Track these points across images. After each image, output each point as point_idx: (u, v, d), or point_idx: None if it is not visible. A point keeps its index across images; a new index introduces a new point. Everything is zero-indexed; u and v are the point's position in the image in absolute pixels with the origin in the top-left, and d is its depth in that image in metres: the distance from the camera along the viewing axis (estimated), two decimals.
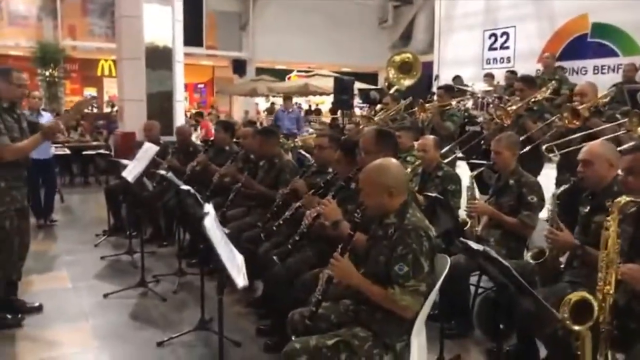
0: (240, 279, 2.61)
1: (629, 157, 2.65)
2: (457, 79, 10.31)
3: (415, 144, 4.66)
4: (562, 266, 3.18)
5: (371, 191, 2.47)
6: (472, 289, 4.04)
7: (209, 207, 2.86)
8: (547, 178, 4.89)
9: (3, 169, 3.71)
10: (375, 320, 2.38)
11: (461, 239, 2.64)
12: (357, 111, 14.41)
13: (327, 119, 17.93)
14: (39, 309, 4.15)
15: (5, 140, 3.67)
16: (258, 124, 13.68)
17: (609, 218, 2.52)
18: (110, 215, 6.40)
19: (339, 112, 17.29)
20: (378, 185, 2.45)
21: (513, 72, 9.18)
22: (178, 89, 7.44)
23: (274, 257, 3.19)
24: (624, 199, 2.50)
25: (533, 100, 5.12)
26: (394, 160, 2.61)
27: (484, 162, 4.96)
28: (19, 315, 3.93)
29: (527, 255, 3.19)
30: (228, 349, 3.44)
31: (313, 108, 21.20)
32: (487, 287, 4.16)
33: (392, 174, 2.47)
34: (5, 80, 3.83)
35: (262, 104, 21.29)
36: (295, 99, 19.09)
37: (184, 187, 3.69)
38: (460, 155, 6.45)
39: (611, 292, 2.42)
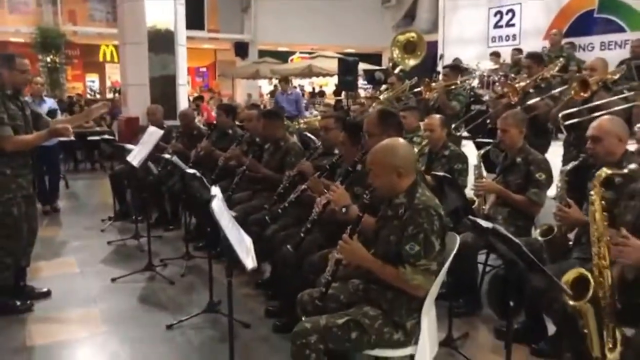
0: (249, 261, 2.60)
1: None
2: (455, 60, 10.20)
3: (421, 124, 4.63)
4: (571, 243, 3.18)
5: (380, 172, 2.45)
6: (480, 267, 4.04)
7: (216, 190, 2.85)
8: (554, 155, 4.86)
9: (8, 157, 3.69)
10: (386, 299, 2.37)
11: (470, 216, 2.63)
12: (361, 92, 14.32)
13: (331, 100, 17.85)
14: (47, 294, 4.16)
15: (8, 131, 3.65)
16: (262, 107, 13.63)
17: (592, 192, 2.50)
18: (115, 201, 6.40)
19: (342, 94, 17.25)
20: (386, 165, 2.43)
21: (519, 50, 9.09)
22: (181, 73, 7.38)
23: (288, 247, 3.17)
24: (604, 171, 2.47)
25: (541, 77, 5.06)
26: (401, 140, 2.58)
27: (490, 140, 4.93)
28: (29, 302, 3.95)
29: (536, 233, 3.18)
30: (237, 331, 3.45)
31: (317, 90, 21.12)
32: (494, 265, 4.17)
33: (400, 154, 2.45)
34: (8, 66, 3.79)
35: (265, 86, 21.19)
36: (298, 81, 19.05)
37: (190, 170, 3.67)
38: (465, 134, 6.41)
39: (607, 265, 2.40)
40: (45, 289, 4.18)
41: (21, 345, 3.45)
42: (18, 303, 3.89)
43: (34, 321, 3.78)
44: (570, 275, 2.26)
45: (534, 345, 3.20)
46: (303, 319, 2.49)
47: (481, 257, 4.02)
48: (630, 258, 2.30)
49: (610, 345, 2.31)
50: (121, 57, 7.40)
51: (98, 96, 18.55)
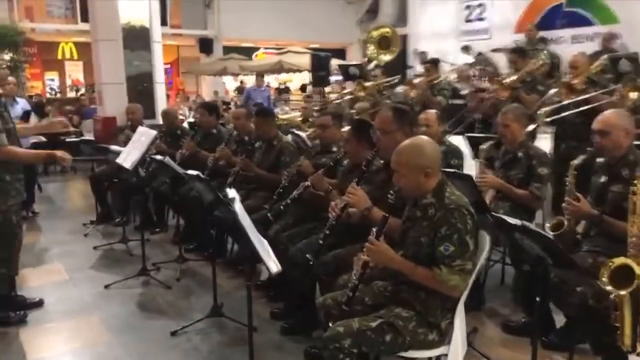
0: (273, 265, 2.55)
1: None
2: (422, 54, 10.26)
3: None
4: (578, 236, 3.22)
5: (407, 172, 2.41)
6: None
7: (233, 193, 2.77)
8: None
9: (7, 162, 3.51)
10: (419, 300, 2.36)
11: (493, 213, 2.64)
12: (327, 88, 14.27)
13: (296, 96, 17.78)
14: (39, 304, 4.00)
15: (4, 139, 3.45)
16: (232, 104, 13.48)
17: (635, 182, 2.53)
18: (97, 204, 6.20)
19: (307, 89, 17.17)
20: (413, 166, 2.39)
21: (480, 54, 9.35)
22: (158, 70, 7.18)
23: (308, 256, 3.09)
24: None
25: (527, 71, 5.14)
26: (426, 138, 2.55)
27: (482, 135, 4.99)
28: (22, 312, 3.78)
29: (546, 227, 3.21)
30: (245, 335, 3.37)
31: (282, 86, 20.99)
32: (495, 259, 4.23)
33: (427, 153, 2.42)
34: None
35: (230, 83, 20.92)
36: (266, 77, 18.85)
37: (192, 172, 3.56)
38: (447, 129, 6.45)
39: None
40: (37, 299, 4.02)
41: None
42: (11, 314, 3.72)
43: (29, 333, 3.62)
44: (616, 261, 2.27)
45: (545, 338, 3.25)
46: (330, 324, 2.43)
47: None
48: None
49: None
50: (94, 55, 7.12)
51: (59, 95, 17.99)
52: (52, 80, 18.44)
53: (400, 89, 7.04)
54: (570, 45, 8.81)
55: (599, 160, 3.21)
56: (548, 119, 4.89)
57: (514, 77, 5.06)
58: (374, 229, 2.45)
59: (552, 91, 4.84)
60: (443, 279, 2.25)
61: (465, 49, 10.05)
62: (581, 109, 4.68)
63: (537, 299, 2.47)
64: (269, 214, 3.90)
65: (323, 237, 3.03)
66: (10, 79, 6.41)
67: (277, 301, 3.97)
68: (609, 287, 2.24)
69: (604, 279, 2.25)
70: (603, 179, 3.12)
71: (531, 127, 3.80)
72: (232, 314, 3.68)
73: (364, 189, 3.05)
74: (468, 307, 3.63)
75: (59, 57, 18.59)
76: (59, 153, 3.67)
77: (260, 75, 11.20)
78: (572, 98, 4.57)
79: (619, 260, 2.28)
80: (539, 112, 4.85)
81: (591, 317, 2.69)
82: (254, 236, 2.59)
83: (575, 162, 3.15)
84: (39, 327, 3.72)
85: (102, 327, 3.72)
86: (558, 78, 7.06)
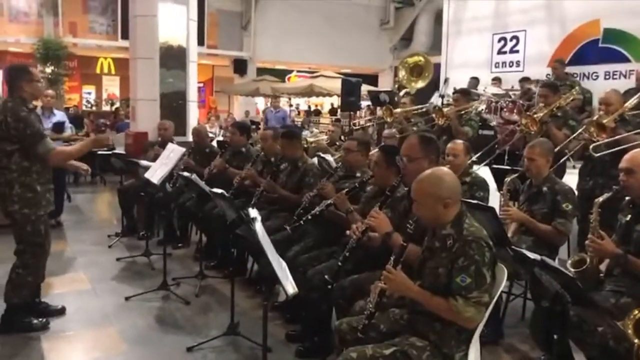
0: (290, 287, 2.57)
1: None
2: (474, 80, 10.17)
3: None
4: (602, 274, 3.16)
5: (426, 202, 2.41)
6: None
7: (255, 212, 2.81)
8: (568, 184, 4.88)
9: (37, 172, 3.63)
10: (434, 330, 2.34)
11: (514, 247, 2.62)
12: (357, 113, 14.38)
13: (326, 119, 17.94)
14: (61, 311, 4.08)
15: (51, 144, 3.58)
16: (261, 124, 13.65)
17: None
18: (123, 216, 6.32)
19: (338, 113, 17.30)
20: (432, 196, 2.39)
21: (527, 79, 9.21)
22: (191, 89, 7.33)
23: (326, 277, 3.11)
24: None
25: (557, 106, 5.10)
26: (446, 169, 2.57)
27: (509, 167, 4.95)
28: (44, 319, 3.85)
29: (567, 264, 3.16)
30: (259, 354, 3.39)
31: (312, 109, 21.22)
32: (516, 293, 4.16)
33: (447, 184, 2.42)
34: (28, 78, 3.71)
35: (262, 104, 21.23)
36: (296, 100, 19.15)
37: (217, 190, 3.63)
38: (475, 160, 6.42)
39: None
40: (59, 306, 4.10)
41: None
42: (34, 321, 3.79)
43: (50, 340, 3.69)
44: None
45: None
46: (344, 350, 2.44)
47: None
48: None
49: None
50: (132, 72, 7.31)
51: (94, 108, 18.49)
52: (89, 93, 19.02)
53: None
54: (603, 81, 8.73)
55: (627, 198, 3.17)
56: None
57: (543, 112, 5.01)
58: (392, 257, 2.46)
59: (581, 129, 4.78)
60: (459, 310, 2.24)
61: (496, 80, 10.04)
62: (612, 150, 4.57)
63: (555, 336, 2.44)
64: (286, 226, 3.93)
65: (342, 260, 3.05)
66: (49, 91, 6.61)
67: (294, 323, 3.97)
68: (636, 340, 2.19)
69: (629, 331, 2.21)
70: (628, 217, 3.08)
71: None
72: (248, 334, 3.69)
73: (385, 214, 3.07)
74: (485, 341, 3.64)
75: (97, 71, 19.18)
76: (102, 136, 3.81)
77: (274, 96, 11.29)
78: (602, 136, 4.49)
79: None
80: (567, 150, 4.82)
81: (612, 359, 2.63)
82: (272, 257, 2.62)
83: (600, 199, 3.12)
84: (61, 334, 3.79)
85: (121, 338, 3.77)
86: (590, 113, 7.00)
